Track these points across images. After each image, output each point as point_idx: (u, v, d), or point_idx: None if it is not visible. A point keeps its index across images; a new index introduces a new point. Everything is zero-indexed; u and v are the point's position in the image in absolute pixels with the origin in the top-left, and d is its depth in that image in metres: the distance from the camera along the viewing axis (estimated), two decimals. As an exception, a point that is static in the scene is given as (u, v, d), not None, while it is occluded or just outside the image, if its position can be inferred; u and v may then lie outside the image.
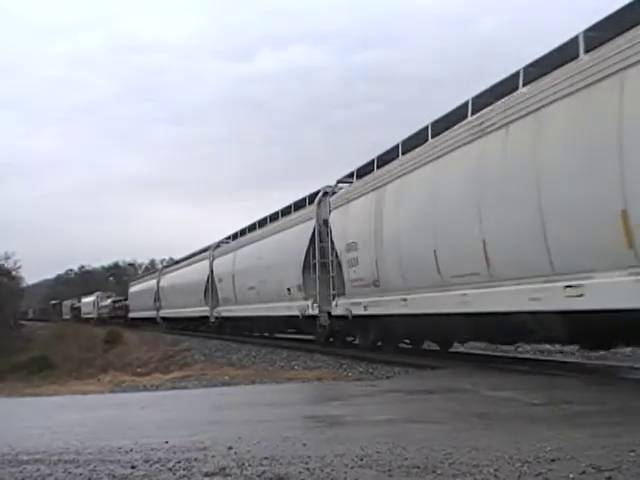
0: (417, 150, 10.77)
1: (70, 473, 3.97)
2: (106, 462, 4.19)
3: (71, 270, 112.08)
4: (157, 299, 37.24)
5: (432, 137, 10.33)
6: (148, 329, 37.42)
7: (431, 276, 10.05)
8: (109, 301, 56.14)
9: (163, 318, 36.50)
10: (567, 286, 7.16)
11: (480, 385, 7.70)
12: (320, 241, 15.35)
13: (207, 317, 26.40)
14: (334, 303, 14.48)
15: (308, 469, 3.79)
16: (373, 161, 12.84)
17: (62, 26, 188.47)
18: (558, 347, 12.27)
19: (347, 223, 13.77)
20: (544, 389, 7.27)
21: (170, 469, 3.94)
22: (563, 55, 7.46)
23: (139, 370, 18.42)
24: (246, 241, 21.94)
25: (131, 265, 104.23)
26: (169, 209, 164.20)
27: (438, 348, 13.94)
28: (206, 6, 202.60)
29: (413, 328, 12.23)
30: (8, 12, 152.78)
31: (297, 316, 16.55)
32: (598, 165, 6.73)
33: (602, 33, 6.89)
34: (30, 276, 79.79)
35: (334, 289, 14.55)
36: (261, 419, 6.01)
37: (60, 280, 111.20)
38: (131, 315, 46.74)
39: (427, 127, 10.58)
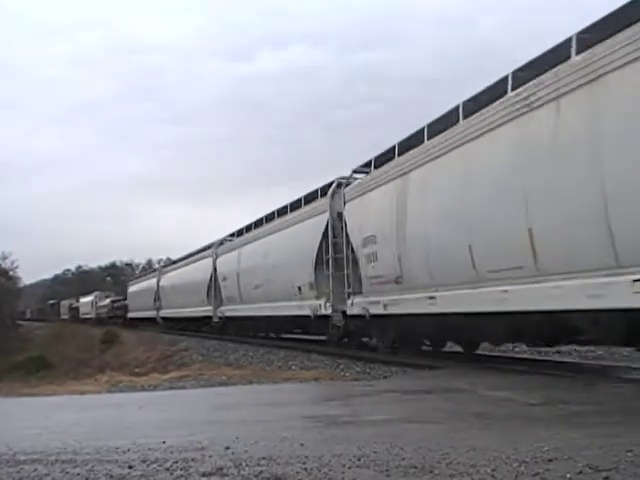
0: (446, 133, 9.77)
1: (68, 473, 3.97)
2: (103, 462, 4.19)
3: (68, 270, 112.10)
4: (157, 299, 36.64)
5: (464, 118, 9.37)
6: (147, 329, 37.23)
7: (464, 271, 9.15)
8: (108, 301, 55.72)
9: (163, 318, 35.82)
10: (636, 280, 6.34)
11: (478, 385, 7.71)
12: (334, 236, 14.49)
13: (210, 317, 25.67)
14: (349, 302, 13.61)
15: (305, 469, 3.79)
16: (394, 147, 11.75)
17: (62, 26, 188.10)
18: (557, 347, 12.19)
19: (364, 215, 12.81)
20: (542, 389, 7.28)
21: (167, 469, 3.94)
22: (622, 19, 6.65)
23: (137, 370, 18.38)
24: (252, 238, 21.04)
25: (128, 265, 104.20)
26: (168, 209, 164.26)
27: (462, 350, 12.91)
28: (206, 6, 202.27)
29: (439, 328, 11.17)
30: (8, 12, 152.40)
31: (307, 316, 15.71)
32: None
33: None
34: (27, 276, 79.61)
35: (349, 287, 13.67)
36: (259, 419, 6.02)
37: (57, 280, 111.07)
38: (130, 315, 46.22)
39: (457, 108, 9.64)
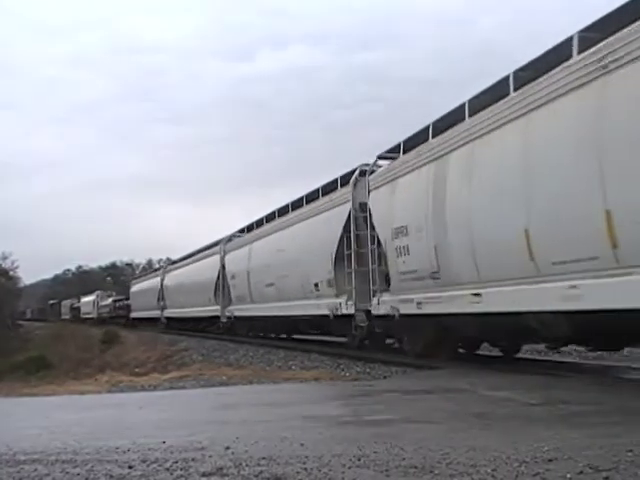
0: (495, 106, 8.73)
1: (68, 473, 3.97)
2: (103, 462, 4.18)
3: (68, 270, 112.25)
4: (161, 298, 35.64)
5: (515, 90, 8.38)
6: (146, 329, 37.14)
7: (520, 264, 8.01)
8: (110, 300, 55.16)
9: (168, 318, 34.82)
10: None
11: (478, 385, 7.70)
12: (357, 228, 13.37)
13: (217, 317, 24.65)
14: (375, 300, 12.47)
15: (305, 469, 3.79)
16: (427, 128, 10.65)
17: (62, 26, 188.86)
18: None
19: (393, 204, 11.60)
20: (542, 389, 7.28)
21: (167, 469, 3.94)
22: None
23: (137, 370, 18.37)
24: (264, 233, 19.73)
25: (128, 265, 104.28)
26: (168, 209, 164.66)
27: (501, 354, 11.90)
28: (206, 6, 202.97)
29: (481, 329, 10.12)
30: (8, 12, 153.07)
31: (326, 316, 14.60)
32: None
33: None
34: (28, 276, 79.67)
35: (374, 284, 12.53)
36: (259, 419, 6.01)
37: (57, 280, 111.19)
38: (133, 315, 45.28)
39: (507, 78, 8.56)
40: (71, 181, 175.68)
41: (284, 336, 20.99)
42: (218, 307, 24.49)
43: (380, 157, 12.80)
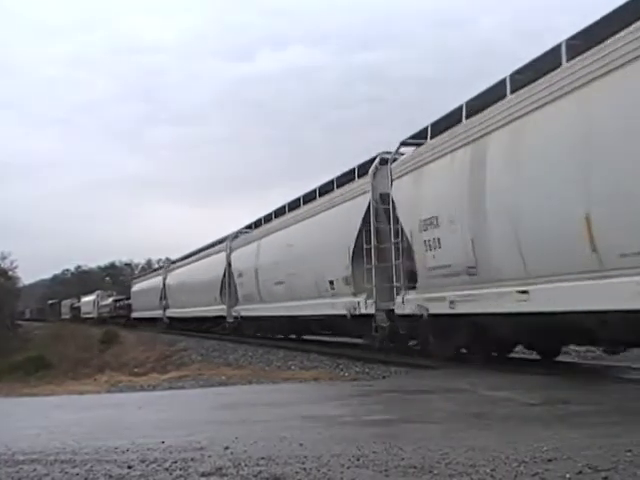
0: (544, 80, 7.69)
1: (67, 473, 3.97)
2: (103, 462, 4.18)
3: (68, 270, 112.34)
4: (163, 298, 34.64)
5: (568, 60, 7.37)
6: (146, 329, 37.05)
7: (578, 256, 7.02)
8: (110, 300, 54.70)
9: (170, 318, 33.79)
10: None
11: (477, 385, 7.69)
12: (377, 221, 12.35)
13: (223, 317, 23.64)
14: (399, 299, 11.41)
15: (304, 469, 3.79)
16: (460, 108, 9.65)
17: (62, 26, 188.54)
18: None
19: (421, 193, 10.59)
20: (541, 389, 7.28)
21: (166, 469, 3.94)
22: None
23: (136, 370, 18.38)
24: (273, 228, 18.71)
25: (128, 265, 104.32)
26: (168, 209, 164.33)
27: (539, 357, 11.07)
28: (206, 6, 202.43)
29: (522, 330, 9.16)
30: (8, 12, 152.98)
31: (341, 315, 13.69)
32: None
33: None
34: (27, 276, 79.71)
35: (398, 281, 11.54)
36: (258, 419, 6.01)
37: (57, 280, 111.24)
38: (134, 315, 44.29)
39: (559, 47, 7.55)
40: (71, 181, 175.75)
41: (294, 336, 20.39)
42: (224, 307, 23.56)
43: (403, 143, 11.71)
